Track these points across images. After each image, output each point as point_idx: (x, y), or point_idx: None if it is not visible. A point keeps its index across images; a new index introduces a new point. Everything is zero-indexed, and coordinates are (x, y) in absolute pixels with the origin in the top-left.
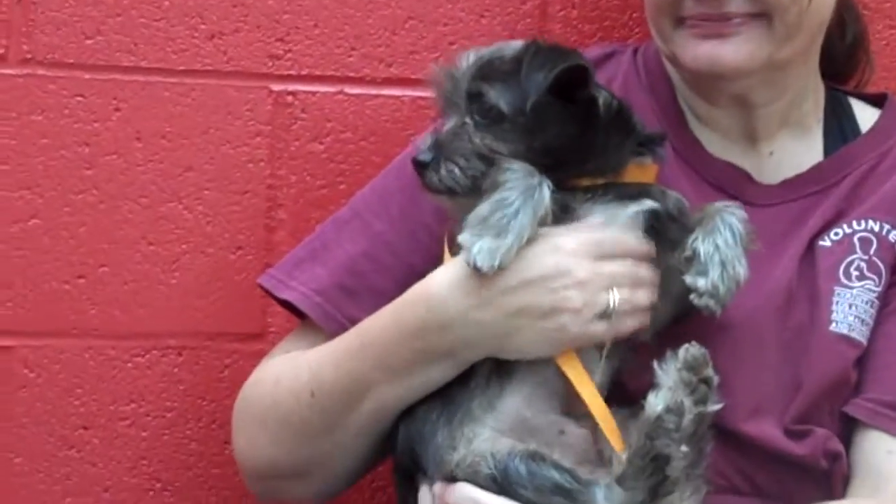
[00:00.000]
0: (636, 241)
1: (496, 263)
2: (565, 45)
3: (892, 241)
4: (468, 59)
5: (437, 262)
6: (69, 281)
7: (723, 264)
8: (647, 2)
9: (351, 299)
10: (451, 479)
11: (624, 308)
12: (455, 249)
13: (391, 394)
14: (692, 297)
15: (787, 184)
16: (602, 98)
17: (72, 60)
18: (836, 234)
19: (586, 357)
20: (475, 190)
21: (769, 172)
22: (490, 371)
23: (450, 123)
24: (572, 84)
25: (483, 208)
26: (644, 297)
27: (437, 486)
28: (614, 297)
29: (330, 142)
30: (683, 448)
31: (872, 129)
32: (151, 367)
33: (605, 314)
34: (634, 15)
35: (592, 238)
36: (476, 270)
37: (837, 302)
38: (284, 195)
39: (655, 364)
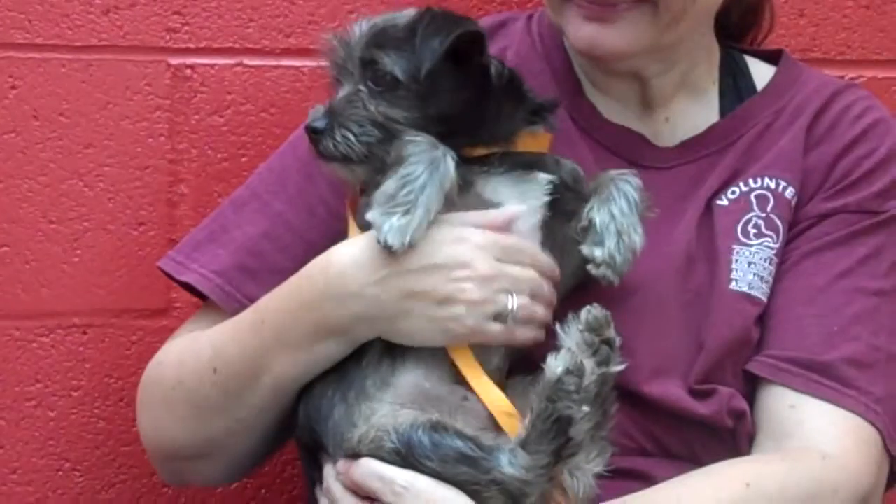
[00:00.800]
0: (544, 255)
1: (406, 241)
2: (460, 13)
3: (789, 197)
4: (361, 27)
5: (337, 237)
6: None
7: (619, 234)
8: None
9: (251, 279)
10: (355, 455)
11: (521, 315)
12: (359, 220)
13: (289, 369)
14: (589, 267)
15: (685, 146)
16: (494, 66)
17: None
18: (733, 192)
19: (482, 348)
20: (369, 158)
21: (666, 136)
22: (382, 350)
23: (343, 91)
24: (466, 51)
25: (389, 185)
26: (542, 312)
27: (341, 464)
28: (513, 301)
29: (230, 114)
30: (585, 409)
31: (767, 87)
32: (56, 346)
33: (502, 316)
34: None
35: (502, 239)
36: (387, 249)
37: (737, 260)
38: (186, 169)
39: (557, 326)
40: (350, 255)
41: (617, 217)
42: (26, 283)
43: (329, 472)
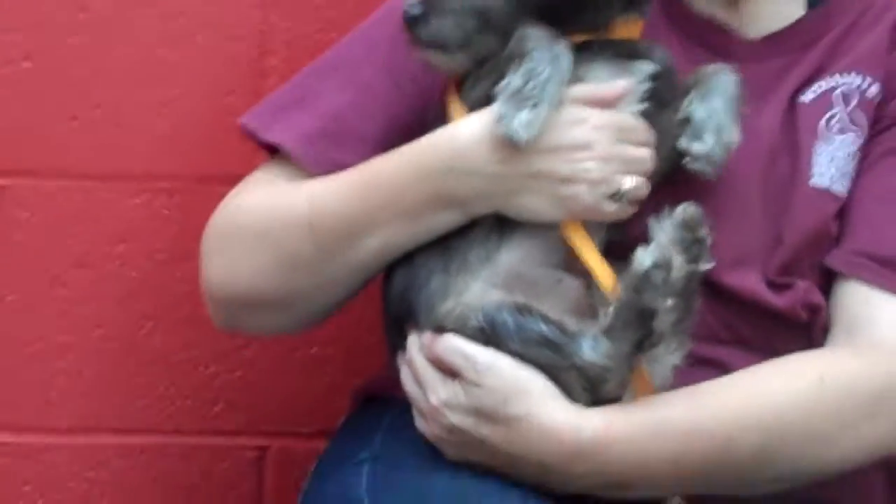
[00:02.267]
0: (649, 131)
1: (534, 134)
2: None
3: (873, 95)
4: None
5: (421, 116)
6: (62, 122)
7: (718, 130)
8: None
9: (336, 144)
10: (440, 329)
11: (634, 194)
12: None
13: (397, 234)
14: (686, 160)
15: (770, 39)
16: None
17: None
18: (817, 89)
19: (590, 226)
20: (467, 46)
21: (752, 28)
22: (492, 225)
23: None
24: None
25: (514, 79)
26: (645, 188)
27: (426, 336)
28: (630, 182)
29: None
30: (670, 302)
31: None
32: (142, 208)
33: (618, 196)
34: None
35: (617, 119)
36: (515, 141)
37: (819, 154)
38: (276, 41)
39: (651, 220)
40: (478, 130)
41: (716, 113)
42: (115, 146)
43: (413, 342)
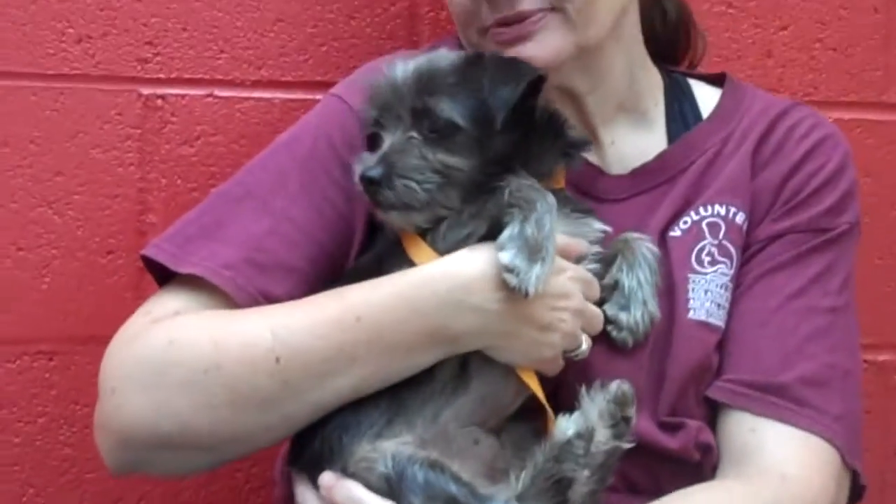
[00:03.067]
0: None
1: (542, 288)
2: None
3: (740, 223)
4: (404, 72)
5: (344, 241)
6: None
7: (644, 303)
8: (452, 16)
9: (263, 275)
10: (345, 473)
11: (582, 356)
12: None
13: (372, 373)
14: (610, 328)
15: (636, 175)
16: (542, 103)
17: None
18: (685, 222)
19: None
20: (430, 205)
21: (615, 163)
22: (447, 380)
23: (390, 138)
24: (525, 95)
25: (526, 230)
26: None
27: (327, 476)
28: (587, 343)
29: (200, 145)
30: (586, 473)
31: (714, 113)
32: (23, 372)
33: (575, 354)
34: None
35: (584, 273)
36: (521, 292)
37: (693, 289)
38: (155, 199)
39: (582, 390)
40: (477, 268)
41: (643, 285)
42: None
43: (303, 488)
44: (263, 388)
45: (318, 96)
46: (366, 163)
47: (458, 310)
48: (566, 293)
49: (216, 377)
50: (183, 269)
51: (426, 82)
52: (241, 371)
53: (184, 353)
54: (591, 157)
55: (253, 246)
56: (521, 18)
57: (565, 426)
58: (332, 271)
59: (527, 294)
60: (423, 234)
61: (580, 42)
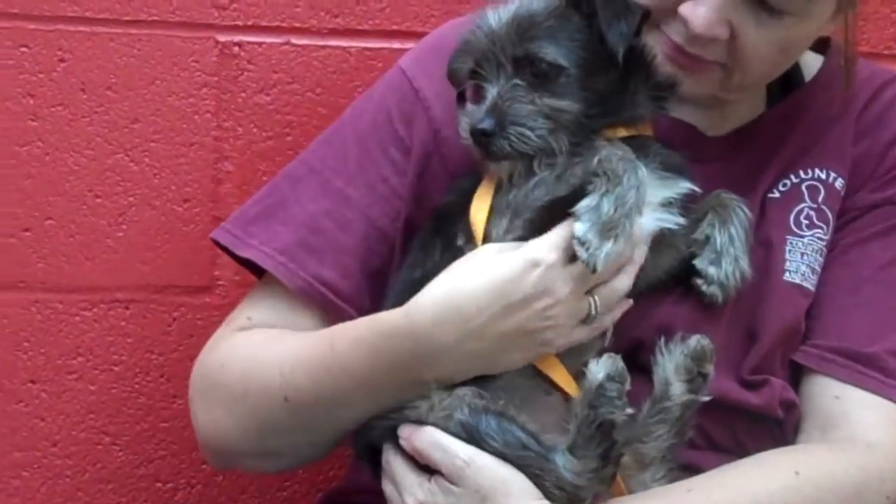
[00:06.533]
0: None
1: (610, 267)
2: None
3: (839, 188)
4: (499, 19)
5: (397, 217)
6: (15, 234)
7: (736, 259)
8: None
9: (314, 257)
10: (421, 423)
11: (605, 306)
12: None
13: (371, 408)
14: (699, 282)
15: (735, 136)
16: (642, 42)
17: (16, 10)
18: (785, 184)
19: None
20: (543, 150)
21: (717, 125)
22: None
23: (495, 87)
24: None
25: (604, 205)
26: (624, 282)
27: (406, 429)
28: (594, 303)
29: (276, 93)
30: (628, 411)
31: (815, 78)
32: (99, 320)
33: (588, 319)
34: None
35: (569, 241)
36: (588, 266)
37: (790, 251)
38: (231, 147)
39: (660, 342)
40: (434, 313)
41: (734, 241)
42: (70, 257)
43: (388, 448)
44: (281, 419)
45: (395, 45)
46: (473, 115)
47: (429, 358)
48: (544, 290)
49: (245, 404)
50: (242, 253)
51: (525, 28)
52: (262, 402)
53: (227, 377)
54: (688, 116)
55: (309, 227)
56: (696, 58)
57: (595, 370)
58: (384, 247)
59: (594, 269)
60: (511, 185)
61: (722, 97)
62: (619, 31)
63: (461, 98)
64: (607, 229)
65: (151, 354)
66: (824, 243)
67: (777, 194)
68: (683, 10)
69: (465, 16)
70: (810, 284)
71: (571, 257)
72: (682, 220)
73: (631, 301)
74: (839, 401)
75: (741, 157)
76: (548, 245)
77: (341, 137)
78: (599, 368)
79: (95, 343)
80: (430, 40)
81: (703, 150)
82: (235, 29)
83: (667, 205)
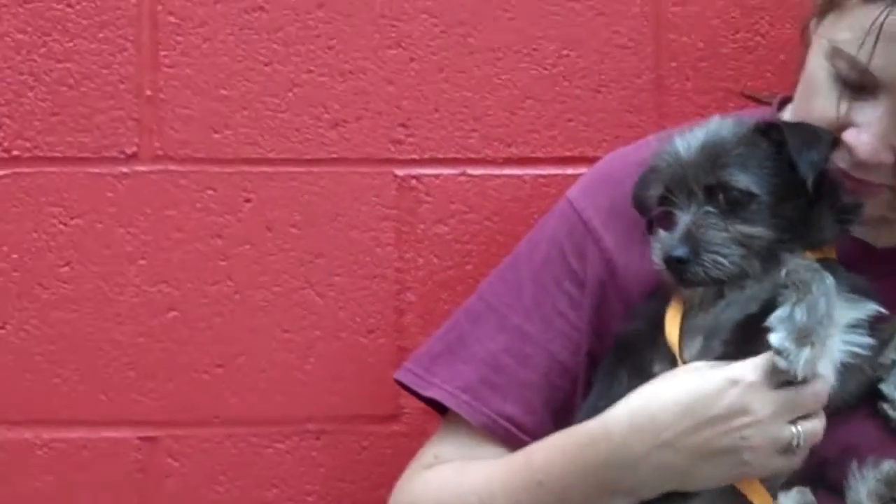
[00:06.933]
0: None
1: (812, 373)
2: (682, 117)
3: None
4: (687, 147)
5: (575, 348)
6: (209, 371)
7: None
8: (808, 107)
9: (496, 394)
10: None
11: (808, 437)
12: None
13: None
14: (885, 406)
15: None
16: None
17: (201, 155)
18: None
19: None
20: (737, 276)
21: (884, 237)
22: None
23: (687, 214)
24: None
25: (797, 313)
26: (821, 422)
27: None
28: (798, 433)
29: (454, 223)
30: None
31: None
32: (291, 451)
33: (789, 449)
34: (749, 84)
35: (760, 378)
36: (790, 377)
37: None
38: (413, 278)
39: (853, 466)
40: (629, 421)
41: None
42: (262, 391)
43: None
44: None
45: (569, 171)
46: (667, 242)
47: (627, 466)
48: (741, 409)
49: None
50: (426, 393)
51: (716, 155)
52: None
53: None
54: (857, 231)
55: (490, 364)
56: (869, 182)
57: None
58: (566, 381)
59: (795, 377)
60: (700, 307)
61: (889, 217)
62: (810, 159)
63: (650, 225)
64: (803, 336)
65: (343, 483)
66: None
67: None
68: (847, 137)
69: (630, 145)
70: None
71: (776, 380)
72: (870, 341)
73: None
74: None
75: None
76: (751, 365)
77: (516, 272)
78: (789, 502)
79: (289, 474)
80: (596, 170)
81: (875, 264)
82: (412, 162)
83: (855, 326)
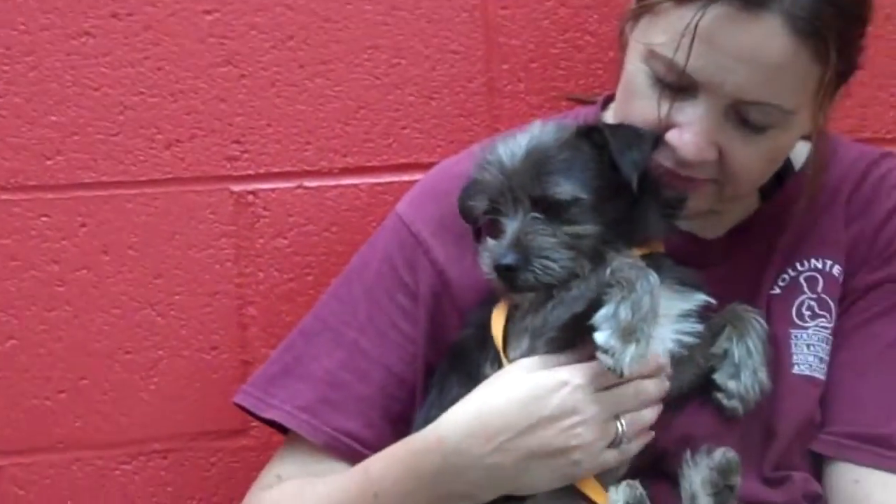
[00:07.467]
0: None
1: (637, 369)
2: (515, 118)
3: (837, 275)
4: (512, 156)
5: (410, 359)
6: (51, 397)
7: (755, 372)
8: (629, 110)
9: (336, 411)
10: None
11: (632, 431)
12: (507, 351)
13: None
14: (719, 395)
15: (732, 237)
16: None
17: (34, 182)
18: (784, 279)
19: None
20: (566, 279)
21: (712, 227)
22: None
23: (514, 222)
24: None
25: (621, 311)
26: (650, 413)
27: None
28: (622, 426)
29: (293, 236)
30: None
31: (804, 166)
32: (139, 472)
33: (615, 443)
34: (580, 82)
35: (597, 367)
36: (616, 373)
37: (796, 344)
38: (254, 292)
39: (686, 455)
40: (462, 427)
41: (753, 354)
42: (105, 413)
43: None
44: None
45: (405, 178)
46: (495, 251)
47: (459, 472)
48: (570, 409)
49: None
50: (266, 415)
51: (539, 164)
52: None
53: None
54: (684, 223)
55: (327, 382)
56: (691, 177)
57: (614, 499)
58: (404, 393)
59: (622, 374)
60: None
61: (716, 208)
62: (632, 159)
63: (477, 234)
64: (628, 333)
65: (192, 501)
66: (829, 331)
67: (778, 290)
68: (670, 136)
69: (456, 155)
70: (820, 374)
71: (603, 380)
72: (700, 328)
73: (653, 433)
74: (859, 484)
75: (741, 257)
76: (580, 367)
77: (349, 289)
78: (619, 497)
79: (137, 495)
80: (423, 183)
81: (703, 254)
82: (248, 178)
83: (684, 317)
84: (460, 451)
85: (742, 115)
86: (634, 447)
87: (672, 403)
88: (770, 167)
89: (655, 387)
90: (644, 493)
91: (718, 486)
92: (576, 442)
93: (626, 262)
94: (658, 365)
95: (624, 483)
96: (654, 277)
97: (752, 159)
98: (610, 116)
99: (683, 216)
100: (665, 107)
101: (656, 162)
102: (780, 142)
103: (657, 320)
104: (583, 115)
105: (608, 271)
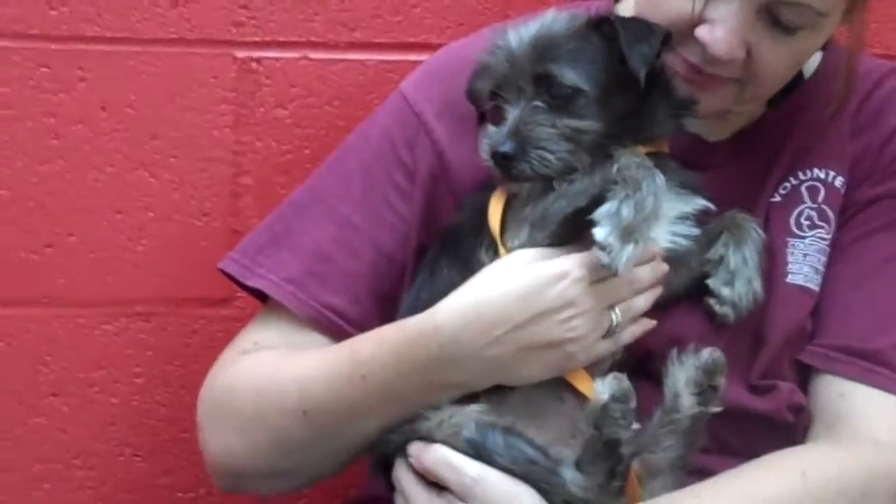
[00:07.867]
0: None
1: (630, 269)
2: (527, 5)
3: (839, 186)
4: (519, 41)
5: (403, 240)
6: (37, 250)
7: (749, 280)
8: (660, 2)
9: (323, 285)
10: (429, 440)
11: (626, 320)
12: (505, 240)
13: (393, 417)
14: (712, 301)
15: (737, 141)
16: (662, 62)
17: (36, 31)
18: (785, 187)
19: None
20: (564, 171)
21: (717, 130)
22: None
23: (515, 109)
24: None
25: (624, 210)
26: (644, 301)
27: (416, 446)
28: (616, 316)
29: (294, 107)
30: (635, 427)
31: (814, 75)
32: (120, 333)
33: (609, 333)
34: None
35: (587, 271)
36: (612, 271)
37: (792, 253)
38: (250, 161)
39: (672, 354)
40: (460, 317)
41: (748, 262)
42: (91, 272)
43: (399, 464)
44: (299, 435)
45: (412, 57)
46: (494, 138)
47: (456, 362)
48: (568, 302)
49: (260, 425)
50: (250, 283)
51: (546, 50)
52: (278, 420)
53: (237, 400)
54: (690, 125)
55: (316, 255)
56: (712, 75)
57: (600, 390)
58: (393, 272)
59: (616, 273)
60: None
61: (735, 108)
62: (641, 53)
63: (481, 119)
64: (628, 233)
65: (171, 366)
66: (827, 243)
67: (778, 198)
68: (700, 32)
69: (466, 37)
70: (814, 285)
71: (599, 274)
72: (696, 232)
73: (654, 322)
74: (844, 398)
75: (744, 161)
76: (578, 259)
77: (345, 164)
78: (604, 389)
79: (116, 356)
80: (431, 63)
81: (707, 156)
82: (253, 45)
83: (682, 219)
84: (458, 342)
85: (774, 15)
86: (627, 336)
87: (662, 305)
88: (792, 70)
89: (649, 274)
90: (630, 386)
91: (702, 385)
92: (572, 334)
93: (633, 161)
94: (652, 253)
95: (611, 375)
96: (660, 178)
97: (778, 60)
98: (623, 9)
99: (696, 115)
100: (700, 1)
101: (670, 61)
102: (808, 44)
103: (658, 223)
104: (594, 6)
105: (614, 168)
